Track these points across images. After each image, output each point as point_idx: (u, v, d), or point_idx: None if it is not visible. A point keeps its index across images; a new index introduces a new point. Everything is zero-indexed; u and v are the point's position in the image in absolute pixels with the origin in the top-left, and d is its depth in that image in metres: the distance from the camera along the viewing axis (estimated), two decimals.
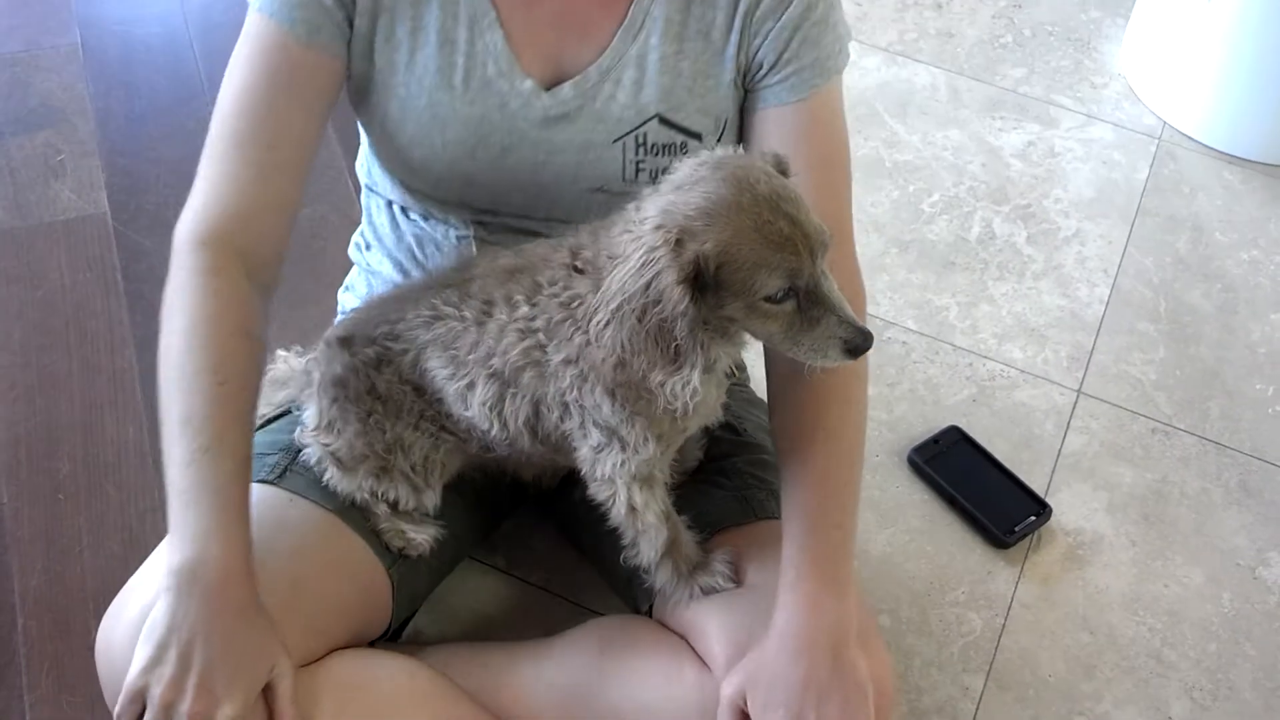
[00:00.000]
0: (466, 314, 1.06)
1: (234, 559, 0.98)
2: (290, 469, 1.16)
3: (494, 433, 1.09)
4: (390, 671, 1.12)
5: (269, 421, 1.23)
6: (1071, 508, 1.68)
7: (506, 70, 1.12)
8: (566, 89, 1.13)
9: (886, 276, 1.98)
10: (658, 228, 0.93)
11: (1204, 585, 1.61)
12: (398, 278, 1.28)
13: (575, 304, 1.00)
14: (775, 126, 1.15)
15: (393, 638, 1.24)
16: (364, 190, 1.32)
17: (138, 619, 0.98)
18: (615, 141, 1.14)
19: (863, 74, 2.34)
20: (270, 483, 1.14)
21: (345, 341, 1.13)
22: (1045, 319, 1.93)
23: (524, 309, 1.03)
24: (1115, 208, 2.13)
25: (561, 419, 1.06)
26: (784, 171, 0.99)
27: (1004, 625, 1.54)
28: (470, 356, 1.07)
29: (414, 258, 1.27)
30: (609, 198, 1.13)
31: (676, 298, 0.91)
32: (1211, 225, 2.12)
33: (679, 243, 0.92)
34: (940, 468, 1.69)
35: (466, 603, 1.42)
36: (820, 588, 1.04)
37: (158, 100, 2.19)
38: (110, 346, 1.78)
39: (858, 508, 1.11)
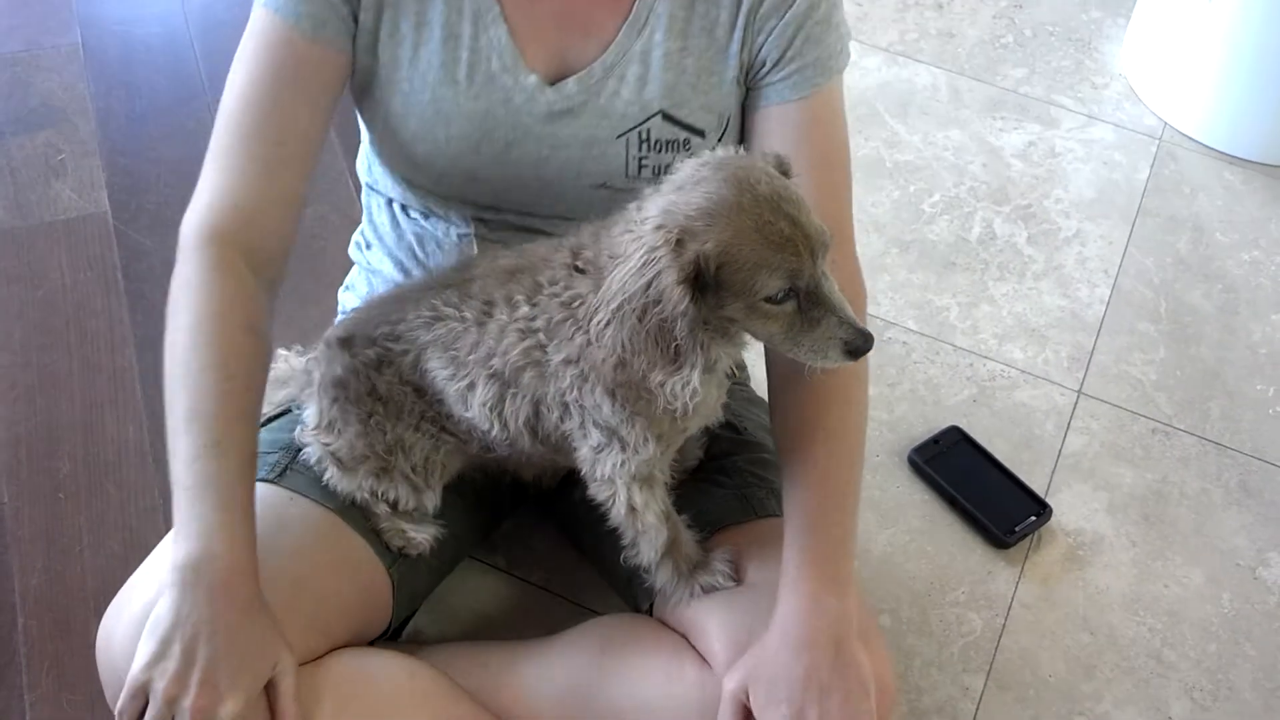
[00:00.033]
0: (467, 314, 1.06)
1: (239, 555, 0.98)
2: (291, 468, 1.16)
3: (494, 433, 1.09)
4: (390, 671, 1.12)
5: (269, 420, 1.23)
6: (1072, 508, 1.68)
7: (511, 65, 1.12)
8: (571, 84, 1.13)
9: (887, 277, 1.98)
10: (659, 228, 0.93)
11: (1204, 585, 1.61)
12: (398, 277, 1.28)
13: (576, 304, 1.00)
14: (777, 124, 1.15)
15: (393, 637, 1.24)
16: (364, 189, 1.32)
17: (139, 616, 0.98)
18: (619, 137, 1.14)
19: (863, 74, 2.34)
20: (271, 481, 1.14)
21: (345, 342, 1.13)
22: (1046, 319, 1.93)
23: (524, 309, 1.03)
24: (1116, 208, 2.13)
25: (562, 419, 1.06)
26: (785, 172, 0.99)
27: (1004, 625, 1.54)
28: (470, 357, 1.06)
29: (415, 256, 1.27)
30: (612, 194, 1.13)
31: (677, 298, 0.91)
32: (1212, 226, 2.12)
33: (680, 243, 0.92)
34: (941, 468, 1.69)
35: (466, 602, 1.42)
36: (821, 586, 1.04)
37: (158, 100, 2.20)
38: (111, 346, 1.78)
39: (858, 508, 1.12)
